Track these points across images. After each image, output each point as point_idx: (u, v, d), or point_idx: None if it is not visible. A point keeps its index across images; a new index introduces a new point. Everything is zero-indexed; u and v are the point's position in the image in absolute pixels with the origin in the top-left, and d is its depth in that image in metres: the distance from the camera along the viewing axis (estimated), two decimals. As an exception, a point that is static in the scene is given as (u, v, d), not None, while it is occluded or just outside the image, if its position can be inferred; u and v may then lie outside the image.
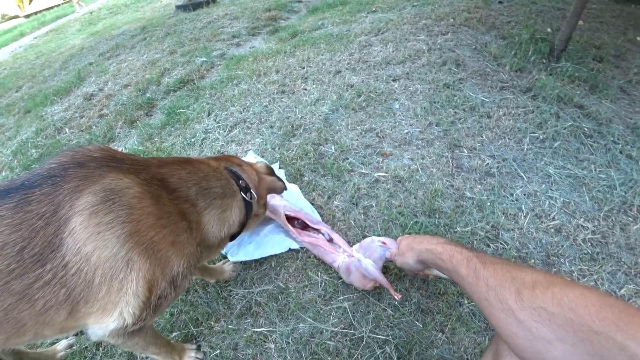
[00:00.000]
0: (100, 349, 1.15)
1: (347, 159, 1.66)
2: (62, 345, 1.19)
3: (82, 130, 2.56)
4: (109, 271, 0.64)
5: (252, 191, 1.01)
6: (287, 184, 1.52)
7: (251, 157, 1.64)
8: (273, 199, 1.36)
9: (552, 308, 0.48)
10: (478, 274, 0.64)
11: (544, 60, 2.17)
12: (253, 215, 1.06)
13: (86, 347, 1.17)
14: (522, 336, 0.51)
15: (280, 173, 1.56)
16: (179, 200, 0.78)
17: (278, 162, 1.67)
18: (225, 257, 1.34)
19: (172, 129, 2.23)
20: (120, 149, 2.20)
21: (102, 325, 0.70)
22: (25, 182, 0.65)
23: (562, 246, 1.23)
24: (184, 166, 0.85)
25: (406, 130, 1.76)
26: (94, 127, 2.56)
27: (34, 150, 2.44)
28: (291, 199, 1.42)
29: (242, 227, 1.01)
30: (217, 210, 0.87)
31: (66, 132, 2.59)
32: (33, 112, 3.12)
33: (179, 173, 0.82)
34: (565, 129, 1.64)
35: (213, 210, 0.86)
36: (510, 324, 0.53)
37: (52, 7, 14.30)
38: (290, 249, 1.32)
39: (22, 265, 0.59)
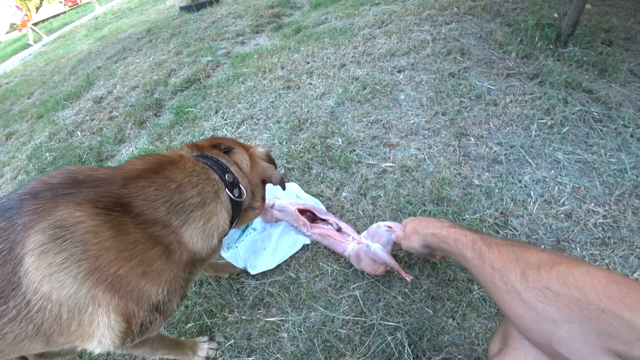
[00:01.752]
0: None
1: (354, 150, 1.67)
2: None
3: (93, 133, 2.62)
4: (75, 307, 0.60)
5: (242, 186, 0.89)
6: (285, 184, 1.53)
7: None
8: (278, 201, 1.37)
9: (558, 287, 0.48)
10: (483, 257, 0.63)
11: (551, 46, 2.14)
12: (248, 208, 0.97)
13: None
14: (529, 317, 0.51)
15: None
16: (146, 224, 0.68)
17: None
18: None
19: (181, 127, 2.27)
20: (131, 150, 2.25)
21: (89, 348, 0.67)
22: None
23: (573, 231, 1.22)
24: (151, 180, 0.73)
25: (412, 121, 1.76)
26: (104, 129, 2.62)
27: (48, 154, 2.51)
28: (291, 198, 1.43)
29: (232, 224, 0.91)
30: (199, 223, 0.76)
31: (78, 135, 2.65)
32: (45, 117, 3.21)
33: (144, 193, 0.70)
34: (573, 114, 1.62)
35: (193, 225, 0.75)
36: (516, 306, 0.53)
37: (58, 15, 14.53)
38: (303, 245, 1.33)
39: None
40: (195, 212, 0.76)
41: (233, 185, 0.86)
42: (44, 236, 0.57)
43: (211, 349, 1.12)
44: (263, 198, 1.04)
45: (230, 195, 0.84)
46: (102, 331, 0.63)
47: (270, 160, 1.09)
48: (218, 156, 0.89)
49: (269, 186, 1.49)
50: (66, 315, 0.61)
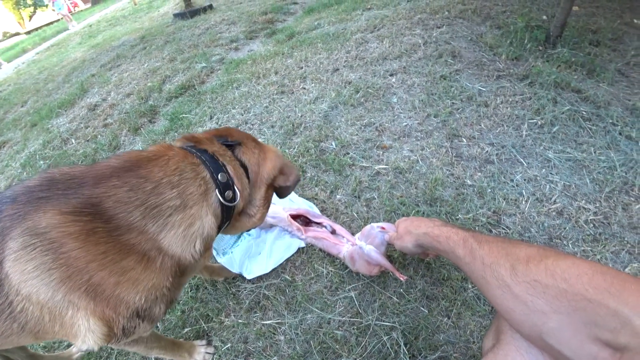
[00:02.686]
0: (115, 350, 1.18)
1: (348, 153, 1.69)
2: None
3: (87, 140, 2.61)
4: (55, 310, 0.60)
5: (236, 188, 0.79)
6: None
7: None
8: (271, 207, 1.37)
9: (546, 280, 0.49)
10: (474, 254, 0.65)
11: (540, 48, 2.18)
12: (242, 214, 0.86)
13: (101, 347, 1.20)
14: (519, 310, 0.52)
15: None
16: (119, 230, 0.62)
17: None
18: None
19: (176, 134, 2.27)
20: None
21: (77, 345, 0.67)
22: None
23: (565, 228, 1.24)
24: (125, 179, 0.66)
25: (405, 123, 1.78)
26: (99, 136, 2.61)
27: (42, 162, 2.49)
28: (284, 202, 1.43)
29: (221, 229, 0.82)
30: (179, 229, 0.69)
31: (72, 143, 2.64)
32: (39, 125, 3.19)
33: (115, 194, 0.64)
34: (563, 113, 1.65)
35: (172, 231, 0.68)
36: (506, 300, 0.55)
37: (51, 23, 14.53)
38: (298, 248, 1.34)
39: None
40: (173, 216, 0.68)
41: (226, 186, 0.76)
42: (16, 243, 0.57)
43: (208, 353, 1.12)
44: (264, 205, 0.91)
45: (221, 198, 0.75)
46: (83, 333, 0.63)
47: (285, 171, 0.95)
48: (215, 151, 0.79)
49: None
50: (48, 317, 0.61)
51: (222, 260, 1.32)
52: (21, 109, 4.02)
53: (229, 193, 0.77)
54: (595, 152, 1.48)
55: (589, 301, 0.44)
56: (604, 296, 0.43)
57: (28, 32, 13.73)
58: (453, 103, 1.83)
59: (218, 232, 0.80)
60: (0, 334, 0.62)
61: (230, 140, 0.84)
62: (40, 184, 0.64)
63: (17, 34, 14.32)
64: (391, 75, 2.17)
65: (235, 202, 0.79)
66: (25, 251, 0.57)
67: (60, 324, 0.62)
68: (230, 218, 0.81)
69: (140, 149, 2.23)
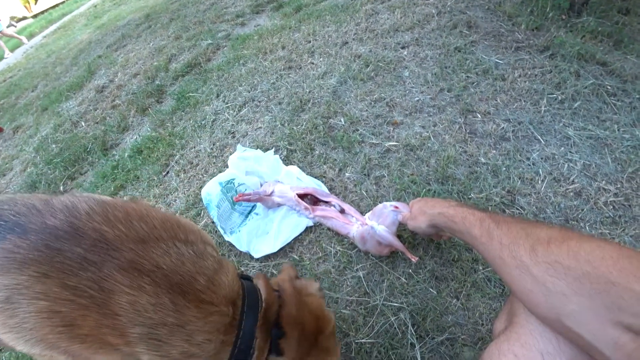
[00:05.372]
0: None
1: (357, 130, 1.64)
2: None
3: (97, 122, 2.62)
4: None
5: None
6: (284, 167, 1.51)
7: (240, 152, 1.59)
8: (277, 185, 1.35)
9: (568, 261, 0.47)
10: (491, 234, 0.63)
11: (564, 17, 2.03)
12: None
13: None
14: (538, 291, 0.51)
15: (275, 158, 1.55)
16: (110, 329, 0.53)
17: (273, 148, 1.65)
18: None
19: (183, 113, 2.25)
20: (134, 138, 2.25)
21: None
22: None
23: (582, 210, 1.18)
24: (159, 292, 0.54)
25: (417, 98, 1.71)
26: (107, 118, 2.62)
27: (54, 146, 2.53)
28: (292, 181, 1.42)
29: None
30: None
31: (82, 126, 2.66)
32: (50, 109, 3.22)
33: (138, 297, 0.53)
34: (586, 88, 1.56)
35: None
36: (525, 280, 0.53)
37: (57, 5, 14.43)
38: (306, 227, 1.32)
39: None
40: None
41: None
42: (2, 294, 0.50)
43: None
44: None
45: None
46: None
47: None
48: (258, 332, 0.65)
49: (270, 166, 1.48)
50: None
51: (229, 238, 1.33)
52: (32, 93, 4.05)
53: None
54: (619, 130, 1.39)
55: (613, 284, 0.42)
56: (629, 280, 0.41)
57: (35, 16, 13.68)
58: (468, 77, 1.74)
59: None
60: None
61: (279, 330, 0.68)
62: (61, 227, 0.53)
63: (24, 17, 14.29)
64: (403, 47, 2.07)
65: None
66: (8, 305, 0.50)
67: None
68: None
69: (149, 129, 2.23)
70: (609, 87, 1.55)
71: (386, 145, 1.53)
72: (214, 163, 1.75)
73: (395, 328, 1.03)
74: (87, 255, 0.51)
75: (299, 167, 1.52)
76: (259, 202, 1.37)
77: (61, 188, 2.09)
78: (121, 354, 0.55)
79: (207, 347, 0.58)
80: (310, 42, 2.45)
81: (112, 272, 0.51)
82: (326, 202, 1.30)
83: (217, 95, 2.26)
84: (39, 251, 0.50)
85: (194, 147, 1.91)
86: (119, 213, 0.57)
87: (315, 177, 1.47)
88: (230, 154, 1.59)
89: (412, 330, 1.01)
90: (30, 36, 9.41)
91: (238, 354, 0.62)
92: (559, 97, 1.55)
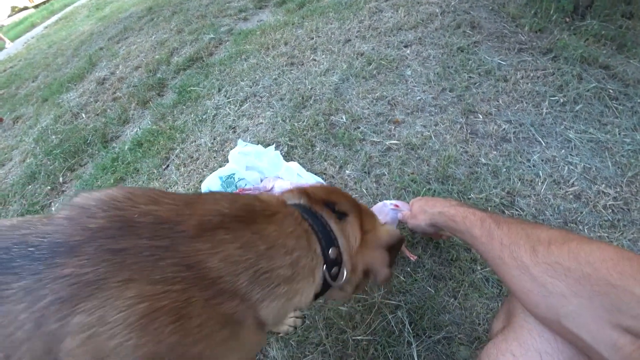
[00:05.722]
0: None
1: (359, 127, 1.64)
2: None
3: (97, 114, 2.61)
4: None
5: (345, 269, 0.69)
6: (285, 163, 1.51)
7: (241, 147, 1.60)
8: (277, 181, 1.35)
9: (568, 263, 0.48)
10: (492, 234, 0.63)
11: (567, 19, 2.03)
12: (336, 290, 0.73)
13: None
14: (537, 292, 0.51)
15: (276, 154, 1.54)
16: (221, 297, 0.50)
17: (274, 144, 1.65)
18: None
19: (184, 107, 2.25)
20: (134, 131, 2.24)
21: None
22: (3, 255, 0.44)
23: (581, 213, 1.18)
24: (237, 233, 0.54)
25: (419, 97, 1.71)
26: (108, 110, 2.61)
27: (54, 137, 2.52)
28: (292, 178, 1.41)
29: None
30: (280, 301, 0.58)
31: (83, 117, 2.65)
32: (50, 100, 3.21)
33: (225, 250, 0.52)
34: (588, 91, 1.55)
35: (274, 302, 0.57)
36: (524, 281, 0.53)
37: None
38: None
39: None
40: (280, 287, 0.58)
41: (334, 263, 0.66)
42: (92, 318, 0.42)
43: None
44: (357, 287, 0.78)
45: (327, 276, 0.64)
46: None
47: (397, 244, 0.82)
48: (329, 219, 0.69)
49: (270, 162, 1.48)
50: None
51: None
52: (32, 84, 4.03)
53: (335, 269, 0.66)
54: (620, 134, 1.39)
55: (613, 286, 0.42)
56: (629, 282, 0.41)
57: (36, 6, 13.56)
58: (470, 77, 1.74)
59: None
60: None
61: (339, 210, 0.72)
62: (110, 226, 0.47)
63: (26, 8, 14.16)
64: (406, 46, 2.07)
65: (339, 284, 0.69)
66: (101, 328, 0.42)
67: None
68: (322, 294, 0.69)
69: (149, 122, 2.22)
70: (611, 91, 1.55)
71: (387, 143, 1.53)
72: (215, 157, 1.75)
73: (392, 326, 1.04)
74: (155, 243, 0.48)
75: (299, 163, 1.52)
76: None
77: (60, 179, 2.09)
78: (244, 327, 0.54)
79: (298, 244, 0.61)
80: (313, 38, 2.45)
81: (188, 246, 0.49)
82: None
83: (219, 90, 2.26)
84: (105, 261, 0.44)
85: (195, 141, 1.91)
86: (146, 190, 0.55)
87: (316, 174, 1.47)
88: (231, 149, 1.59)
89: (409, 329, 1.02)
90: (32, 26, 9.34)
91: (324, 237, 0.65)
92: (561, 100, 1.55)
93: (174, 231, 0.50)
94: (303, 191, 0.72)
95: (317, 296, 0.67)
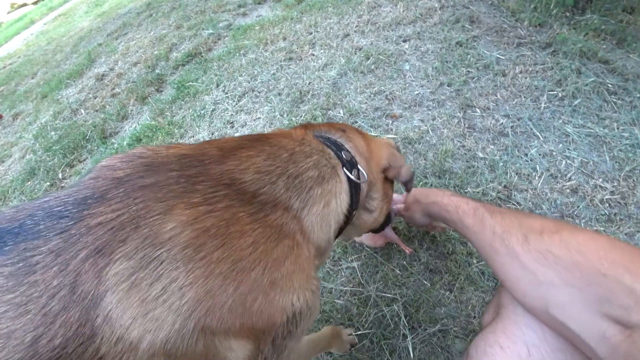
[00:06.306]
0: None
1: (356, 122, 1.64)
2: None
3: (96, 110, 2.61)
4: (174, 349, 0.41)
5: (361, 168, 0.70)
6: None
7: None
8: None
9: (559, 251, 0.47)
10: (484, 223, 0.63)
11: (567, 14, 2.02)
12: (362, 210, 0.75)
13: None
14: (527, 280, 0.51)
15: None
16: (265, 210, 0.49)
17: None
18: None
19: (182, 102, 2.25)
20: (134, 127, 2.24)
21: None
22: (27, 221, 0.40)
23: (578, 207, 1.19)
24: (258, 148, 0.56)
25: (417, 92, 1.71)
26: (107, 106, 2.61)
27: (53, 133, 2.52)
28: None
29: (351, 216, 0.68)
30: (319, 206, 0.58)
31: (82, 113, 2.65)
32: (49, 96, 3.21)
33: (254, 163, 0.53)
34: (586, 85, 1.55)
35: (314, 208, 0.57)
36: (514, 269, 0.53)
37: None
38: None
39: None
40: (314, 189, 0.58)
41: (351, 164, 0.67)
42: (131, 262, 0.39)
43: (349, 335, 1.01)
44: (383, 199, 0.78)
45: (349, 174, 0.65)
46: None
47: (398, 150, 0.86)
48: (331, 134, 0.73)
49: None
50: None
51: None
52: (31, 80, 4.03)
53: (354, 172, 0.68)
54: (618, 128, 1.39)
55: (604, 276, 0.42)
56: (620, 272, 0.41)
57: (35, 2, 13.52)
58: (468, 72, 1.73)
59: (346, 224, 0.69)
60: None
61: (336, 128, 0.77)
62: (137, 170, 0.45)
63: (25, 4, 14.12)
64: (404, 41, 2.06)
65: (365, 180, 0.70)
66: (146, 270, 0.39)
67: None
68: (358, 202, 0.69)
69: (148, 118, 2.22)
70: (609, 85, 1.54)
71: (385, 137, 1.52)
72: (212, 153, 1.75)
73: (388, 319, 1.04)
74: (186, 172, 0.47)
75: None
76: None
77: (60, 175, 2.09)
78: (296, 243, 0.52)
79: (314, 149, 0.64)
80: (311, 33, 2.44)
81: (221, 168, 0.50)
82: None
83: (217, 85, 2.26)
84: (138, 198, 0.42)
85: (193, 137, 1.91)
86: (162, 144, 0.56)
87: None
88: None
89: (405, 322, 1.02)
90: (31, 23, 9.32)
91: (332, 144, 0.69)
92: (560, 94, 1.54)
93: (200, 160, 0.50)
94: (305, 123, 0.78)
95: (350, 213, 0.67)
